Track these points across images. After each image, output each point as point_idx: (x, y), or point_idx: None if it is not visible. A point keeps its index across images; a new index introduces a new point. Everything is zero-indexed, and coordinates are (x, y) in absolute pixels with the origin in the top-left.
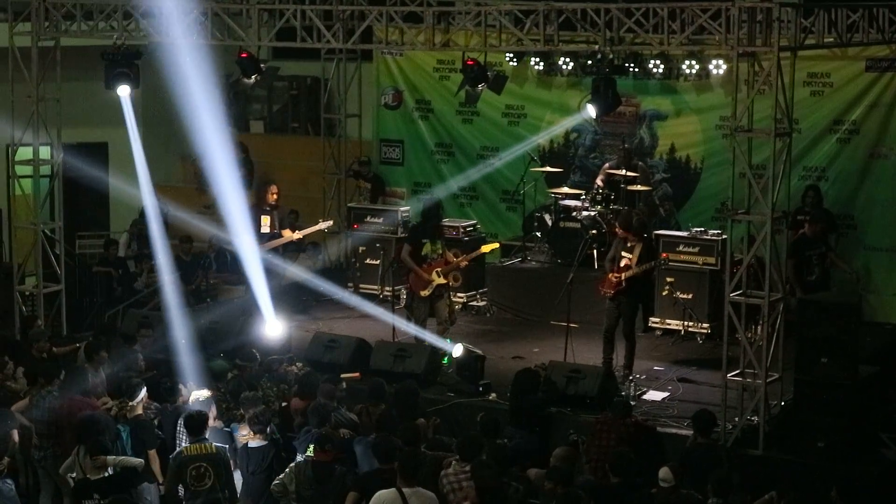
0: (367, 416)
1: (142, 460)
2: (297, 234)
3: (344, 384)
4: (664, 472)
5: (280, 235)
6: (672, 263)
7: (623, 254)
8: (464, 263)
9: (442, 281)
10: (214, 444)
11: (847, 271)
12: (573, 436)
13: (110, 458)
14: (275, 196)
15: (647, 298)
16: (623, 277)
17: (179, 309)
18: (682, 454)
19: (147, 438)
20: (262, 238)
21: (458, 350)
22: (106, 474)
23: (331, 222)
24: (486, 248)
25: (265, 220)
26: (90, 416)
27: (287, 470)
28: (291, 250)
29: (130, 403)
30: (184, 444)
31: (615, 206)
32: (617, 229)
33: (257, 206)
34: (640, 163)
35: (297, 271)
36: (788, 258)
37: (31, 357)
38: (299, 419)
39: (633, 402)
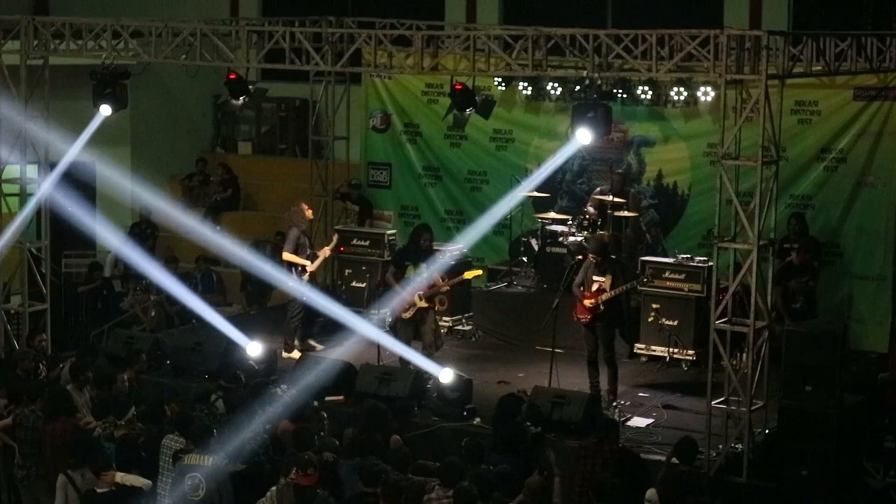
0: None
1: (149, 482)
2: (328, 252)
3: None
4: (651, 493)
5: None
6: (658, 290)
7: (595, 278)
8: (445, 288)
9: (423, 304)
10: (213, 457)
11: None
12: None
13: (119, 474)
14: (311, 212)
15: (622, 322)
16: (600, 301)
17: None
18: (661, 480)
19: (132, 457)
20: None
21: (446, 376)
22: (109, 489)
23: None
24: (468, 275)
25: (306, 241)
26: (84, 436)
27: (269, 493)
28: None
29: (119, 422)
30: (168, 467)
31: (602, 232)
32: (591, 255)
33: (301, 230)
34: (631, 189)
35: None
36: (775, 285)
37: (16, 376)
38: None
39: None
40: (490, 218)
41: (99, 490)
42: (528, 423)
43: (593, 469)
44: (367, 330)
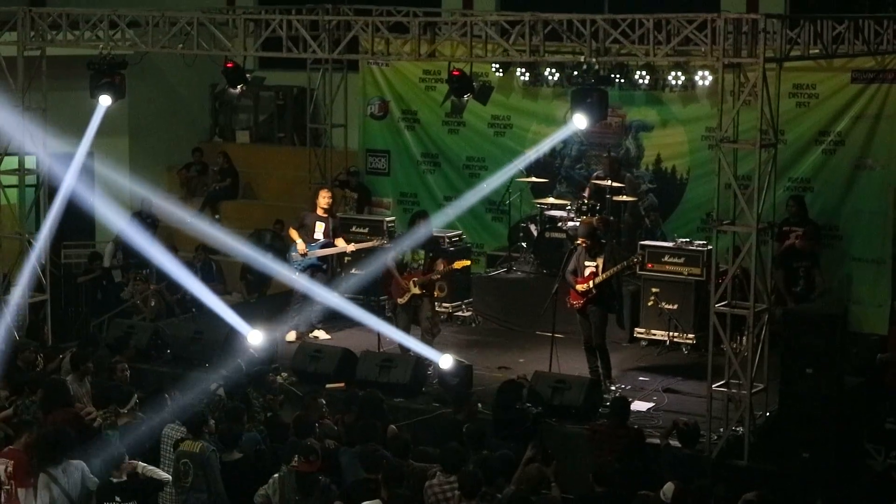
0: (342, 425)
1: (169, 476)
2: (351, 247)
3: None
4: (668, 487)
5: (333, 244)
6: (657, 274)
7: (587, 263)
8: (435, 277)
9: (417, 291)
10: (202, 444)
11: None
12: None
13: (140, 464)
14: (329, 201)
15: (614, 307)
16: (593, 285)
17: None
18: (666, 464)
19: (135, 444)
20: (312, 246)
21: (446, 362)
22: (124, 478)
23: (385, 241)
24: (458, 265)
25: (319, 227)
26: (50, 432)
27: (271, 480)
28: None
29: (121, 410)
30: (169, 456)
31: (590, 216)
32: (580, 239)
33: (313, 212)
34: (628, 174)
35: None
36: (777, 269)
37: (16, 367)
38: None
39: None
40: (478, 192)
41: (115, 480)
42: (529, 405)
43: (611, 455)
44: (361, 316)
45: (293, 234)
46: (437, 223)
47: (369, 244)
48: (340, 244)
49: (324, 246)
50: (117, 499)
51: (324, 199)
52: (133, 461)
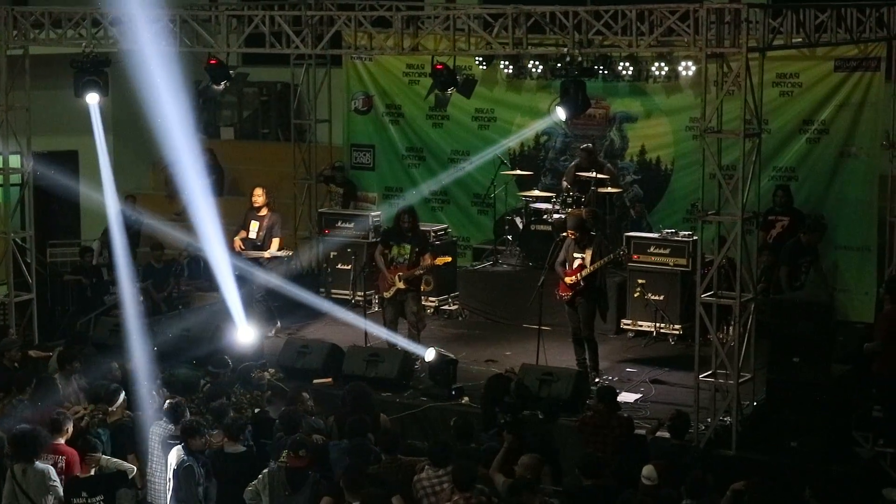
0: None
1: (133, 467)
2: (267, 254)
3: None
4: (648, 469)
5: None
6: (643, 265)
7: (575, 255)
8: (419, 272)
9: (402, 286)
10: (184, 457)
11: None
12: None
13: (104, 457)
14: (258, 199)
15: (603, 299)
16: (581, 276)
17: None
18: (654, 454)
19: (127, 442)
20: (247, 244)
21: (430, 355)
22: (92, 473)
23: (290, 253)
24: (439, 261)
25: (254, 226)
26: (27, 430)
27: (260, 476)
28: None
29: (110, 409)
30: (156, 453)
31: (578, 208)
32: (569, 231)
33: (250, 210)
34: (609, 164)
35: (269, 278)
36: (783, 265)
37: (3, 366)
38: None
39: None
40: (457, 170)
41: (81, 475)
42: (498, 410)
43: (605, 448)
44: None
45: (241, 233)
46: (426, 220)
47: (278, 254)
48: (274, 245)
49: (254, 247)
50: (84, 494)
51: (253, 196)
52: (97, 454)
